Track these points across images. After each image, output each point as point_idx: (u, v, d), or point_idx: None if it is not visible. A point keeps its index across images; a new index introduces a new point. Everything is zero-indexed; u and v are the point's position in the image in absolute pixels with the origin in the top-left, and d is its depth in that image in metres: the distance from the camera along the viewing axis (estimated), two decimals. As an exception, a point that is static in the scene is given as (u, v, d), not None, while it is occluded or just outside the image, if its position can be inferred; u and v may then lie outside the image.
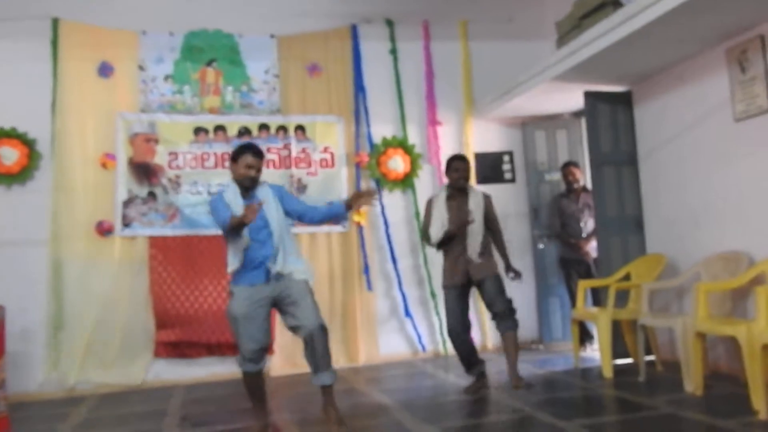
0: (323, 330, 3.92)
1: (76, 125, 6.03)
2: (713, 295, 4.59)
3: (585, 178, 6.39)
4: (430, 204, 5.04)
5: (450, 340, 4.98)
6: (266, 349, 4.01)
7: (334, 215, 4.31)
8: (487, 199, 4.99)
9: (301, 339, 3.93)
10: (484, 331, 6.69)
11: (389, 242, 6.63)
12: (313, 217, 4.19)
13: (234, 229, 3.77)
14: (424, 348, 6.59)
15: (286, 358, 6.21)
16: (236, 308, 3.89)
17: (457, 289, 4.85)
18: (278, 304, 3.99)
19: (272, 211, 3.99)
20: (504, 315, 4.77)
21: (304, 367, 6.11)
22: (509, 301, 4.84)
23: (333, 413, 3.96)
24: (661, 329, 5.34)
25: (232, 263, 3.96)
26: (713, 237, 5.02)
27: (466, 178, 4.96)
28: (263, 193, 4.04)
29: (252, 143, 4.20)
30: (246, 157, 3.98)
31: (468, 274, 4.84)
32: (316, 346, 3.88)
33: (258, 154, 4.05)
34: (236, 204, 3.91)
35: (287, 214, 4.11)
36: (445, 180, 5.09)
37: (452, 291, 4.88)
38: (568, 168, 6.37)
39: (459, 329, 4.83)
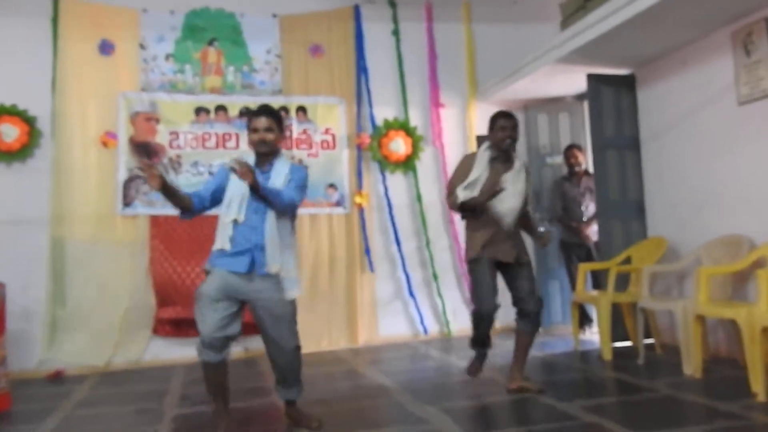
0: (297, 356, 3.60)
1: (76, 103, 6.00)
2: (714, 279, 4.60)
3: (587, 161, 6.38)
4: (468, 159, 4.31)
5: (476, 320, 4.31)
6: (232, 338, 3.44)
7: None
8: (528, 170, 4.36)
9: (269, 357, 3.60)
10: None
11: (393, 224, 6.62)
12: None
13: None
14: (426, 330, 6.61)
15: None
16: (204, 287, 3.41)
17: (490, 262, 4.18)
18: (253, 307, 3.48)
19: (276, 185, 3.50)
20: (534, 315, 4.22)
21: (304, 347, 6.06)
22: (541, 300, 4.28)
23: (301, 415, 3.71)
24: (661, 313, 5.35)
25: (217, 241, 3.51)
26: (715, 221, 5.02)
27: (514, 139, 4.22)
28: (281, 168, 3.54)
29: (265, 105, 3.69)
30: (254, 121, 3.52)
31: (500, 251, 4.18)
32: (285, 367, 3.60)
33: (270, 113, 3.54)
34: (239, 183, 3.37)
35: None
36: (484, 147, 4.33)
37: (484, 263, 4.16)
38: (571, 150, 6.35)
39: (493, 307, 4.20)
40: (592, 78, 5.82)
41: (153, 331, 6.02)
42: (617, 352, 5.22)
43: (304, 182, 3.62)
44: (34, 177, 5.91)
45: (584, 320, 6.15)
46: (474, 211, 4.19)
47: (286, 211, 3.51)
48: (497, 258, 4.17)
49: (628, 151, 5.86)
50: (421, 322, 6.62)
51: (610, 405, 3.99)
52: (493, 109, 6.89)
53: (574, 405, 3.82)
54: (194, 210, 3.55)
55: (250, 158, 3.58)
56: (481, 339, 4.43)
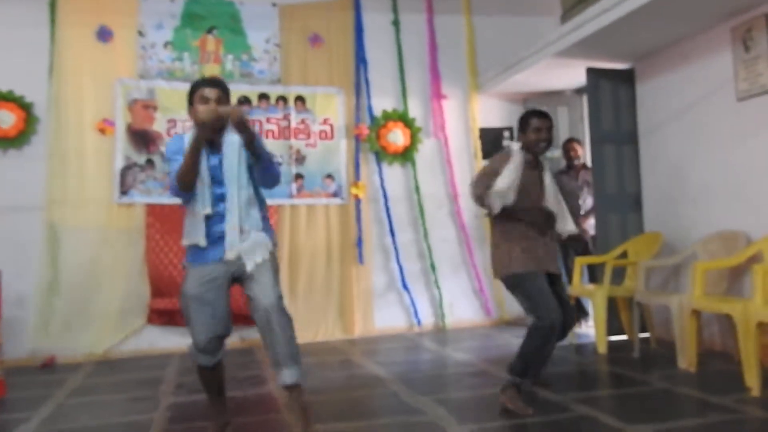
0: (283, 312, 3.16)
1: (73, 90, 5.98)
2: (710, 274, 4.60)
3: (585, 155, 6.37)
4: (502, 158, 3.77)
5: (543, 336, 3.55)
6: (224, 337, 3.22)
7: (256, 165, 3.20)
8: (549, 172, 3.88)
9: (257, 322, 3.17)
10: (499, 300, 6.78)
11: (388, 215, 6.62)
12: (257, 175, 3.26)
13: (193, 155, 3.02)
14: (419, 322, 6.62)
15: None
16: (188, 287, 3.14)
17: (542, 275, 3.69)
18: (238, 279, 3.23)
19: (233, 167, 3.15)
20: (569, 328, 3.82)
21: (299, 337, 6.15)
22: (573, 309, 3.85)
23: (301, 414, 3.19)
24: (656, 307, 5.36)
25: (189, 236, 3.19)
26: (711, 216, 5.02)
27: (550, 141, 3.76)
28: (231, 141, 3.16)
29: (214, 77, 3.54)
30: (200, 90, 3.16)
31: (549, 263, 3.73)
32: (275, 329, 3.11)
33: (215, 83, 3.21)
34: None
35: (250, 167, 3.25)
36: (516, 145, 3.83)
37: (539, 276, 3.66)
38: (570, 144, 6.35)
39: (559, 323, 3.57)
40: (591, 72, 5.80)
41: (148, 320, 6.02)
42: (612, 345, 5.23)
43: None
44: (31, 164, 5.89)
45: (580, 314, 6.16)
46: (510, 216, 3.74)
47: (276, 177, 3.28)
48: (549, 270, 3.72)
49: (626, 145, 5.86)
50: (416, 314, 6.63)
51: (605, 398, 4.01)
52: (494, 102, 7.01)
53: (569, 397, 3.84)
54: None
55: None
56: (541, 362, 3.72)
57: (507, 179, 3.63)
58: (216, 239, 3.16)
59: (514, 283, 3.70)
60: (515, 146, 3.79)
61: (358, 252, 6.53)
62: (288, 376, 3.13)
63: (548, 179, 3.80)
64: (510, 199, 3.63)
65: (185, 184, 3.09)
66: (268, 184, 3.28)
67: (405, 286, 6.61)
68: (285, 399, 3.19)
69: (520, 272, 3.65)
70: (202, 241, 3.14)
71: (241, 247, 3.16)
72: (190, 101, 3.20)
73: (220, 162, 3.16)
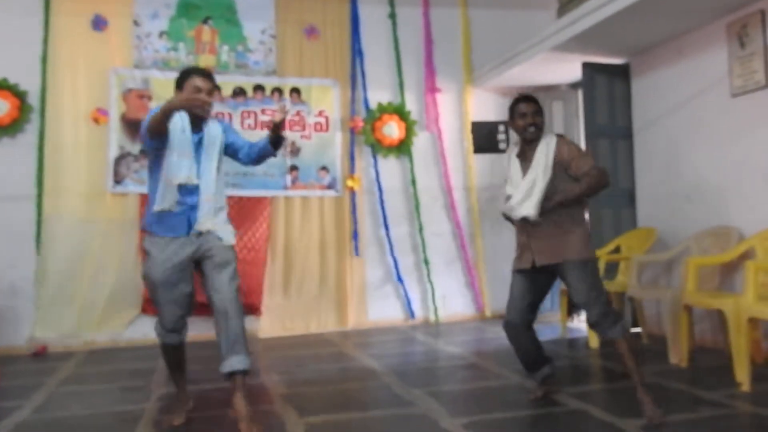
0: (239, 306, 3.30)
1: (68, 79, 5.95)
2: (702, 269, 4.62)
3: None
4: (506, 161, 3.76)
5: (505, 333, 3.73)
6: (187, 316, 3.44)
7: (264, 149, 3.48)
8: (559, 143, 3.54)
9: (214, 311, 3.30)
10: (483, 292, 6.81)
11: (383, 208, 6.62)
12: (250, 153, 3.49)
13: (161, 122, 3.15)
14: (413, 314, 6.63)
15: (274, 320, 6.24)
16: (154, 273, 3.27)
17: (522, 272, 3.63)
18: (200, 263, 3.35)
19: (213, 151, 3.35)
20: (596, 325, 3.43)
21: (293, 330, 6.25)
22: (604, 302, 3.43)
23: (243, 408, 3.23)
24: (648, 303, 5.38)
25: (161, 202, 3.25)
26: (704, 212, 5.04)
27: (539, 126, 3.56)
28: (214, 129, 3.37)
29: (206, 69, 3.68)
30: (193, 79, 3.30)
31: (536, 254, 3.53)
32: (231, 321, 3.25)
33: (208, 75, 3.38)
34: (183, 137, 3.21)
35: (227, 148, 3.47)
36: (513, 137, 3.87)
37: (517, 274, 3.67)
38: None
39: (513, 319, 3.64)
40: (587, 66, 5.81)
41: (141, 310, 6.01)
42: (604, 340, 5.24)
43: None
44: (24, 152, 5.86)
45: (572, 308, 6.17)
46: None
47: (260, 152, 3.48)
48: (520, 266, 3.62)
49: (621, 140, 5.87)
50: (409, 306, 6.64)
51: (596, 392, 4.02)
52: (489, 96, 7.00)
53: (561, 391, 3.84)
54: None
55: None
56: (521, 360, 3.76)
57: (514, 197, 3.56)
58: (187, 209, 3.29)
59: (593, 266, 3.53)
60: (511, 147, 3.74)
61: (354, 244, 6.53)
62: (236, 362, 3.26)
63: (536, 164, 3.49)
64: (517, 214, 3.54)
65: (152, 132, 3.22)
66: (258, 162, 3.54)
67: (400, 279, 6.61)
68: (232, 383, 3.29)
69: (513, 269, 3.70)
70: (174, 206, 3.26)
71: (215, 221, 3.34)
72: (178, 85, 3.34)
73: (201, 141, 3.33)
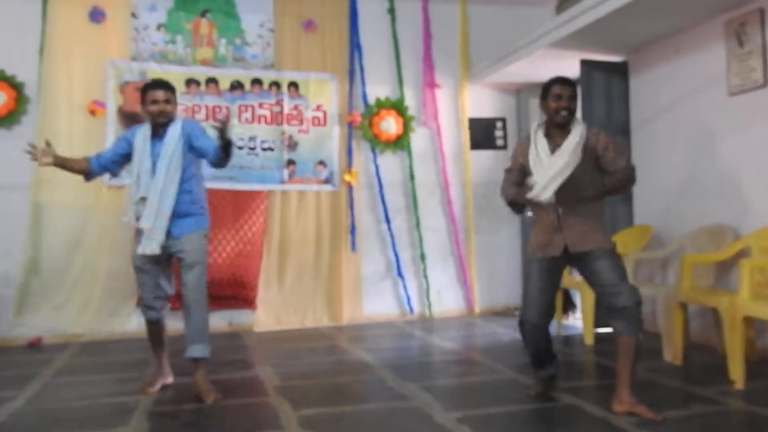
0: (201, 302, 3.81)
1: (65, 70, 5.93)
2: (697, 267, 4.63)
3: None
4: (520, 146, 3.64)
5: (521, 331, 3.66)
6: (167, 299, 4.01)
7: (217, 156, 3.73)
8: (595, 132, 3.45)
9: (184, 300, 3.83)
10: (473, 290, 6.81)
11: (383, 203, 6.62)
12: (213, 160, 3.77)
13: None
14: (411, 309, 6.64)
15: (269, 314, 6.24)
16: (134, 258, 3.88)
17: (546, 262, 3.53)
18: (175, 259, 3.89)
19: (166, 154, 3.77)
20: (628, 310, 3.32)
21: (288, 323, 6.25)
22: (636, 292, 3.36)
23: (203, 382, 3.80)
24: (643, 300, 5.37)
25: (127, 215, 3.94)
26: (700, 210, 5.05)
27: (572, 110, 3.44)
28: (173, 131, 3.81)
29: (161, 79, 4.11)
30: (152, 92, 3.79)
31: (551, 246, 3.48)
32: (193, 314, 3.79)
33: (166, 86, 3.84)
34: (143, 149, 3.80)
35: (192, 150, 3.84)
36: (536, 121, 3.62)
37: (536, 264, 3.55)
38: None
39: (534, 319, 3.53)
40: (585, 64, 5.81)
41: (137, 302, 5.99)
42: (599, 337, 5.26)
43: (204, 129, 3.94)
44: (20, 143, 5.77)
45: (568, 306, 6.19)
46: (520, 210, 3.65)
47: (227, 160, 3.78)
48: (549, 254, 3.49)
49: (618, 137, 5.85)
50: (409, 301, 6.65)
51: (591, 388, 4.03)
52: (486, 92, 7.00)
53: (555, 387, 3.85)
54: (93, 173, 4.02)
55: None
56: (532, 356, 3.70)
57: (516, 168, 3.56)
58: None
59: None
60: (533, 126, 3.59)
61: (351, 239, 6.53)
62: (196, 350, 3.81)
63: (568, 145, 3.35)
64: (546, 196, 3.34)
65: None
66: (219, 167, 3.84)
67: (400, 274, 6.62)
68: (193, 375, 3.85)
69: (526, 259, 3.74)
70: (133, 222, 3.84)
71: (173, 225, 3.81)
72: (141, 100, 3.86)
73: (161, 145, 3.80)
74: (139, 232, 3.85)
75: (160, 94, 3.78)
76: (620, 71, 5.91)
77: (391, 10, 6.77)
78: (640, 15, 4.83)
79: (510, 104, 7.08)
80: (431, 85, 6.84)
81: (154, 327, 4.05)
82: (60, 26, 5.95)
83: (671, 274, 5.22)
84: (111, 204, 5.96)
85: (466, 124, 6.89)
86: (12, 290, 5.70)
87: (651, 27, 5.16)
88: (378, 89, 6.70)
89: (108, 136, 5.96)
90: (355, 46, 6.65)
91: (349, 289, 6.51)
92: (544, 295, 3.53)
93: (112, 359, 5.12)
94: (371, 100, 6.65)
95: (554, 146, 3.43)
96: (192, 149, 3.83)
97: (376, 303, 6.60)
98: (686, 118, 5.24)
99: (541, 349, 3.63)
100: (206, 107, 6.20)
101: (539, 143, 3.47)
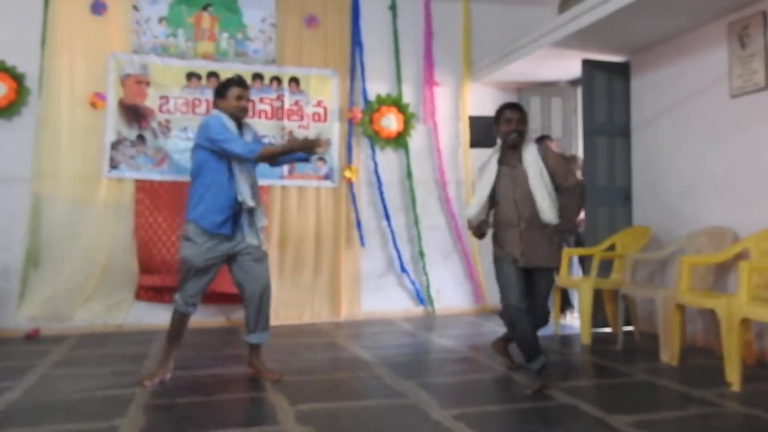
0: (270, 289, 4.14)
1: (66, 62, 5.91)
2: (696, 269, 4.63)
3: (573, 149, 6.38)
4: (482, 169, 4.04)
5: (505, 317, 3.99)
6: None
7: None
8: (543, 150, 3.92)
9: (249, 295, 4.06)
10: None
11: (383, 200, 6.61)
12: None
13: (280, 155, 4.03)
14: (422, 301, 6.68)
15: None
16: (194, 258, 3.93)
17: (512, 261, 3.86)
18: (236, 257, 4.05)
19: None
20: (545, 321, 4.06)
21: (286, 319, 6.25)
22: (548, 313, 4.05)
23: (262, 366, 4.15)
24: (641, 302, 5.39)
25: (203, 205, 3.95)
26: (700, 211, 5.05)
27: (522, 133, 3.86)
28: (251, 130, 4.18)
29: (236, 76, 4.25)
30: (234, 89, 4.02)
31: (522, 255, 3.84)
32: (264, 303, 4.07)
33: (245, 84, 4.09)
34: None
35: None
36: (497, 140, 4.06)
37: (506, 261, 3.87)
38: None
39: (520, 305, 3.80)
40: (586, 63, 5.81)
41: (135, 296, 6.00)
42: (596, 337, 5.26)
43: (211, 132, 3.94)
44: (20, 135, 5.82)
45: (566, 305, 6.19)
46: (481, 235, 4.03)
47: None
48: (513, 256, 3.87)
49: (619, 138, 5.87)
50: (418, 294, 6.66)
51: (587, 388, 4.03)
52: (487, 90, 6.99)
53: (552, 386, 3.85)
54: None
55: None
56: (522, 344, 3.87)
57: (474, 205, 3.96)
58: (225, 211, 4.03)
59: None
60: (494, 147, 4.03)
61: (359, 234, 6.53)
62: (262, 337, 4.15)
63: (530, 168, 3.81)
64: (479, 218, 3.95)
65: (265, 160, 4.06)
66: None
67: (404, 269, 6.63)
68: (248, 359, 4.21)
69: (495, 257, 4.00)
70: (250, 203, 4.02)
71: (258, 221, 4.17)
72: (221, 94, 4.10)
73: None
74: (196, 235, 3.92)
75: (245, 92, 4.04)
76: (622, 72, 5.91)
77: (393, 7, 6.77)
78: (642, 16, 4.82)
79: (527, 113, 7.05)
80: (431, 82, 6.83)
81: (184, 321, 4.12)
82: (62, 18, 5.93)
83: (670, 275, 5.23)
84: (111, 197, 5.95)
85: (466, 122, 6.88)
86: (10, 282, 5.69)
87: (653, 28, 5.16)
88: (378, 86, 6.69)
89: (108, 128, 5.96)
90: (356, 42, 6.64)
91: (348, 285, 6.51)
92: (518, 281, 3.82)
93: (109, 352, 5.11)
94: (371, 97, 6.64)
95: (508, 169, 3.87)
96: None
97: (375, 299, 6.59)
98: (687, 119, 5.24)
99: (529, 334, 3.82)
100: (207, 101, 6.19)
101: (490, 169, 3.94)
